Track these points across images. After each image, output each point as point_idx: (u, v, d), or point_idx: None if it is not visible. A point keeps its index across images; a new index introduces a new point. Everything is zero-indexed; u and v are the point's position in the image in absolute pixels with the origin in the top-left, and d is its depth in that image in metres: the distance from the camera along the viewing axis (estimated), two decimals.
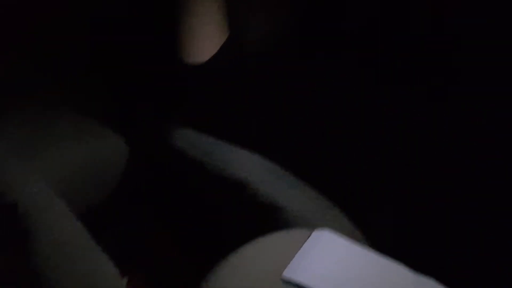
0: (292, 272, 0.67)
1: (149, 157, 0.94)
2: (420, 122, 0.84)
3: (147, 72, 0.93)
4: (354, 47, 0.87)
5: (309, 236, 0.70)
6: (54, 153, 0.88)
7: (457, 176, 0.81)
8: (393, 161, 0.85)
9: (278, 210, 0.81)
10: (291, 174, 0.85)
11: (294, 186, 0.85)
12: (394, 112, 0.85)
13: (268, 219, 0.80)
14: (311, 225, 0.75)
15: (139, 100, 0.96)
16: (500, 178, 0.79)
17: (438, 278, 0.66)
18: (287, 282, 0.66)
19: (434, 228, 0.81)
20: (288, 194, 0.84)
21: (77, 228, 0.73)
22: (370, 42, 0.86)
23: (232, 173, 0.85)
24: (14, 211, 0.72)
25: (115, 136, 0.94)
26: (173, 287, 0.90)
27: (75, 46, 0.95)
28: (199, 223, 0.88)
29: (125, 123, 0.94)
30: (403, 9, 0.85)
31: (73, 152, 0.89)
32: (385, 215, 0.86)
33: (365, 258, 0.70)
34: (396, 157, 0.86)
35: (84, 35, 0.94)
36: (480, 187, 0.80)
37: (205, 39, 0.89)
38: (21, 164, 0.80)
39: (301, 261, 0.68)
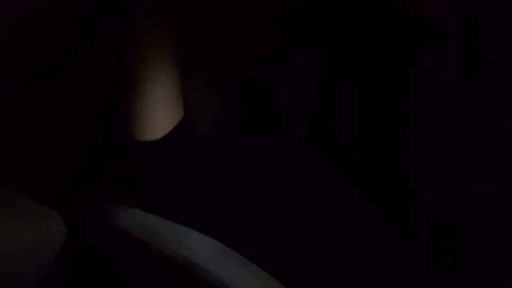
0: None
1: (89, 240, 0.91)
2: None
3: (93, 148, 0.92)
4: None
5: None
6: None
7: None
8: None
9: None
10: (240, 254, 0.84)
11: (243, 266, 0.84)
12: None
13: None
14: None
15: (81, 178, 0.93)
16: None
17: None
18: None
19: None
20: (237, 275, 0.82)
21: None
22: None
23: (180, 254, 0.83)
24: None
25: (52, 215, 0.89)
26: None
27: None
28: None
29: (64, 201, 0.91)
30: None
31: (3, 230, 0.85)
32: None
33: None
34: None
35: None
36: None
37: (157, 118, 0.87)
38: None
39: None
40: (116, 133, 0.88)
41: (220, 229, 0.85)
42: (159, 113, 0.87)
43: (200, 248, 0.84)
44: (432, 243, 0.86)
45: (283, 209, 0.89)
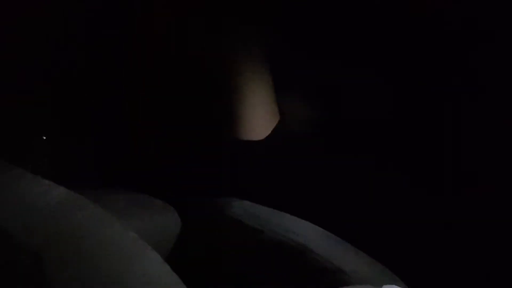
0: None
1: (203, 231, 0.98)
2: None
3: (207, 148, 1.00)
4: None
5: None
6: None
7: None
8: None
9: (338, 273, 0.85)
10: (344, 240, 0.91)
11: (346, 248, 0.90)
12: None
13: (330, 282, 0.84)
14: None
15: (194, 176, 1.01)
16: None
17: None
18: None
19: None
20: (345, 258, 0.88)
21: None
22: None
23: (291, 239, 0.89)
24: None
25: (168, 209, 0.98)
26: None
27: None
28: None
29: (179, 197, 0.99)
30: None
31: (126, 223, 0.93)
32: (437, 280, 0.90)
33: None
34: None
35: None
36: None
37: (259, 121, 0.96)
38: None
39: None
40: (227, 134, 0.97)
41: (316, 216, 0.93)
42: (261, 116, 0.96)
43: (308, 233, 0.91)
44: None
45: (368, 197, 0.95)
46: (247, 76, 0.96)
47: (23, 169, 0.68)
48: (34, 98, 0.94)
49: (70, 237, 0.64)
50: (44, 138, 0.92)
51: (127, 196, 0.98)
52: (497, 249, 0.91)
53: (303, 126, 1.01)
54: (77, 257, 0.63)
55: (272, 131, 0.97)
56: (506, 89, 0.92)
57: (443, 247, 0.93)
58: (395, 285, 0.86)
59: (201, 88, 1.01)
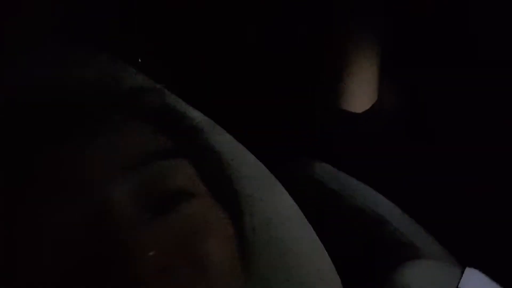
0: None
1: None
2: None
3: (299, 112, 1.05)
4: None
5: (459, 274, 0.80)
6: None
7: None
8: None
9: (413, 248, 0.90)
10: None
11: (419, 228, 0.95)
12: None
13: (407, 256, 0.89)
14: None
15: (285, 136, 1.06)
16: None
17: None
18: None
19: None
20: (423, 238, 0.92)
21: None
22: None
23: (370, 209, 0.94)
24: None
25: None
26: None
27: None
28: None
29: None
30: None
31: None
32: None
33: None
34: None
35: None
36: None
37: (361, 96, 1.00)
38: None
39: None
40: (326, 103, 1.02)
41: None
42: (363, 92, 1.01)
43: (385, 205, 0.95)
44: None
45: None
46: (359, 52, 1.00)
47: None
48: None
49: None
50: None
51: None
52: None
53: (398, 112, 1.06)
54: None
55: (370, 108, 1.02)
56: None
57: None
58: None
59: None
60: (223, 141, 0.74)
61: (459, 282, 0.78)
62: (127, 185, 0.54)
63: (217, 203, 0.60)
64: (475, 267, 0.86)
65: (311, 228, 0.77)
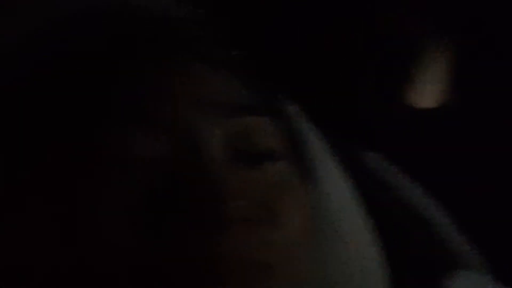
0: None
1: None
2: None
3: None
4: None
5: None
6: None
7: None
8: None
9: (456, 256, 0.90)
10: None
11: (460, 235, 0.95)
12: None
13: (450, 262, 0.89)
14: None
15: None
16: None
17: None
18: None
19: None
20: (458, 241, 0.93)
21: None
22: None
23: (417, 208, 0.94)
24: None
25: None
26: None
27: None
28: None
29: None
30: None
31: None
32: None
33: None
34: None
35: None
36: None
37: (430, 91, 0.99)
38: None
39: None
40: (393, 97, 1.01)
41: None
42: (434, 89, 1.00)
43: (432, 208, 0.95)
44: None
45: None
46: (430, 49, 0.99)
47: None
48: None
49: None
50: None
51: None
52: None
53: (463, 115, 1.05)
54: None
55: (438, 105, 1.01)
56: None
57: None
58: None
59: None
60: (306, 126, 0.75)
61: None
62: (217, 131, 0.54)
63: (298, 171, 0.62)
64: None
65: (366, 223, 0.77)
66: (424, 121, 1.02)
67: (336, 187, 0.78)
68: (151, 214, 0.50)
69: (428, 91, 1.01)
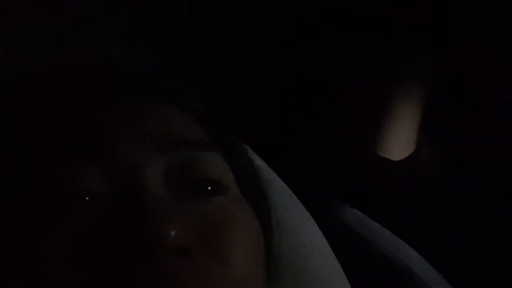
0: None
1: None
2: None
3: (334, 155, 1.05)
4: None
5: None
6: None
7: None
8: None
9: None
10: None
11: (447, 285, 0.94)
12: None
13: None
14: None
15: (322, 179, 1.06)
16: None
17: None
18: None
19: None
20: None
21: None
22: None
23: (398, 259, 0.93)
24: None
25: None
26: None
27: None
28: None
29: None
30: None
31: None
32: None
33: None
34: None
35: None
36: None
37: (399, 144, 1.00)
38: None
39: None
40: (359, 146, 1.02)
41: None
42: (401, 140, 1.01)
43: (414, 257, 0.93)
44: None
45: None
46: (401, 100, 1.01)
47: None
48: None
49: None
50: None
51: None
52: None
53: (435, 168, 1.06)
54: None
55: (407, 157, 1.02)
56: None
57: None
58: None
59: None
60: (259, 161, 0.74)
61: None
62: (161, 166, 0.54)
63: (249, 206, 0.59)
64: None
65: (339, 264, 0.76)
66: (398, 173, 1.02)
67: (304, 229, 0.76)
68: (91, 249, 0.50)
69: (399, 143, 1.02)
